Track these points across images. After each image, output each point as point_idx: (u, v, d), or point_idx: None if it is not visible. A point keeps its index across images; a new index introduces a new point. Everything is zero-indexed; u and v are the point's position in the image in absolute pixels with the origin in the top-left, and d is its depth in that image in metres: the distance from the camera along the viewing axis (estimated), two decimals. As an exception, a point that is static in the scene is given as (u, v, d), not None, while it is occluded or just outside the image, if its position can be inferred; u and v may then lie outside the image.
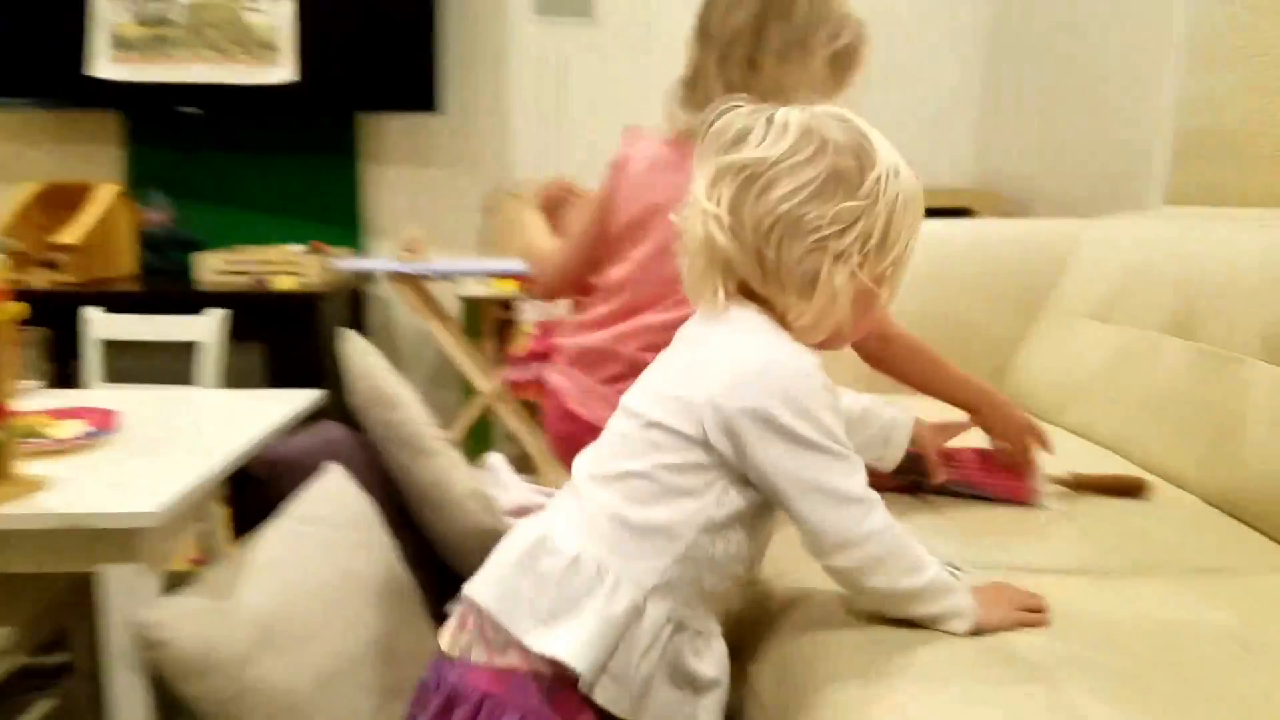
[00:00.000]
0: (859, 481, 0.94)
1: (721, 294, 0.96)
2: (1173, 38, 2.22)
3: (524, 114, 3.37)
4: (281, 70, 3.03)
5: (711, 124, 0.96)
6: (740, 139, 0.95)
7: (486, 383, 2.85)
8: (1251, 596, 1.13)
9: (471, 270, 2.89)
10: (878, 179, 0.93)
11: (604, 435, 1.02)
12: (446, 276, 2.96)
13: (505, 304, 3.04)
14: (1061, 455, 1.52)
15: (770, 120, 0.95)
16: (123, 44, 3.03)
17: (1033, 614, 1.02)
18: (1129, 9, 2.48)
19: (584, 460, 1.02)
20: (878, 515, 0.94)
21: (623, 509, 0.94)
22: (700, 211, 0.95)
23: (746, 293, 0.97)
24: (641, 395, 1.01)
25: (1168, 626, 1.03)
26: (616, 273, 1.51)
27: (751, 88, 1.25)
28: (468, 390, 3.03)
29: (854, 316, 0.96)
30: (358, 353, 1.54)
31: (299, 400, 1.59)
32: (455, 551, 1.56)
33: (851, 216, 0.92)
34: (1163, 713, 0.85)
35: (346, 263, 2.94)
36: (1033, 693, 0.88)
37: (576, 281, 1.59)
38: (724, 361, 0.95)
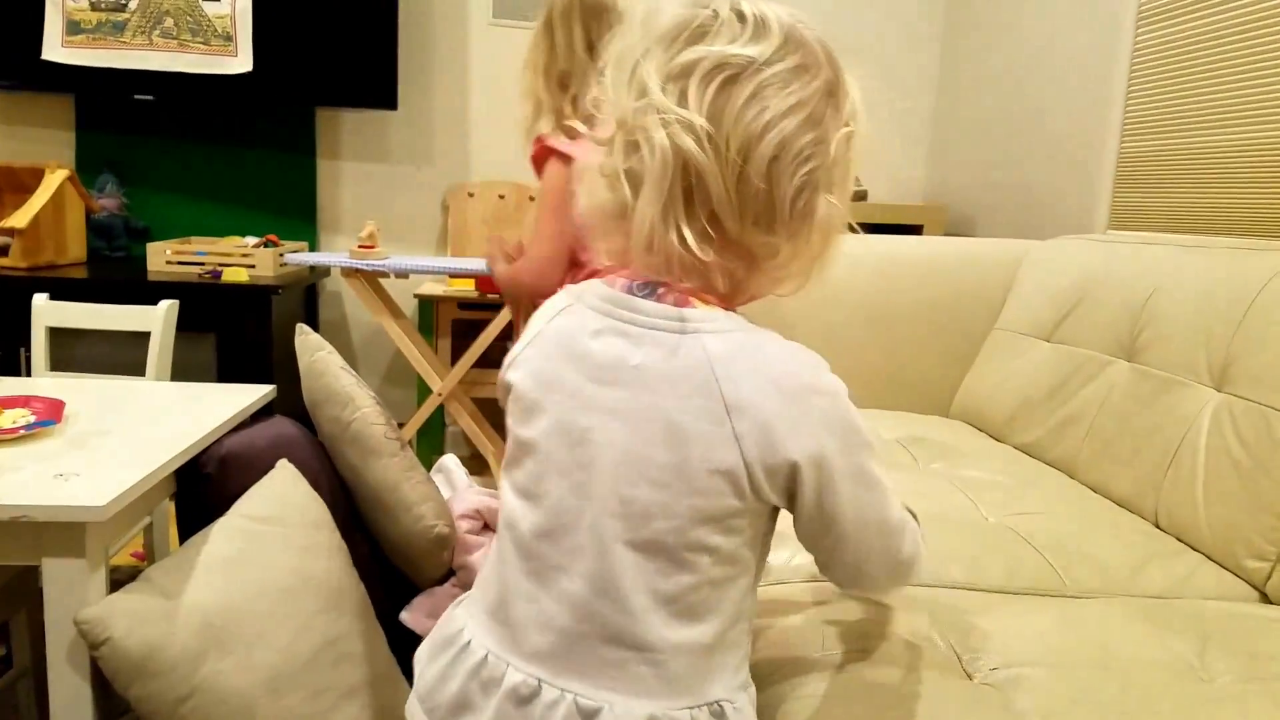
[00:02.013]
0: (899, 504, 0.81)
1: (688, 234, 0.72)
2: (1119, 64, 2.28)
3: (478, 115, 3.38)
4: (238, 61, 3.01)
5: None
6: (704, 32, 0.73)
7: (440, 381, 2.84)
8: (1202, 623, 1.12)
9: (427, 268, 2.87)
10: (853, 103, 0.78)
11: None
12: (401, 274, 2.95)
13: (461, 304, 3.03)
14: (1013, 475, 1.52)
15: (740, 14, 0.73)
16: (77, 28, 2.98)
17: None
18: (1078, 32, 2.54)
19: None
20: (912, 537, 0.83)
21: (695, 636, 0.75)
22: (658, 119, 0.70)
23: (714, 240, 0.73)
24: (634, 474, 0.74)
25: (1120, 652, 1.04)
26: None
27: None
28: (422, 389, 3.02)
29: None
30: (310, 348, 1.53)
31: (250, 394, 1.58)
32: (405, 556, 1.55)
33: (845, 146, 0.76)
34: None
35: (300, 256, 2.91)
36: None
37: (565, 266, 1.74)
38: (742, 395, 0.72)
